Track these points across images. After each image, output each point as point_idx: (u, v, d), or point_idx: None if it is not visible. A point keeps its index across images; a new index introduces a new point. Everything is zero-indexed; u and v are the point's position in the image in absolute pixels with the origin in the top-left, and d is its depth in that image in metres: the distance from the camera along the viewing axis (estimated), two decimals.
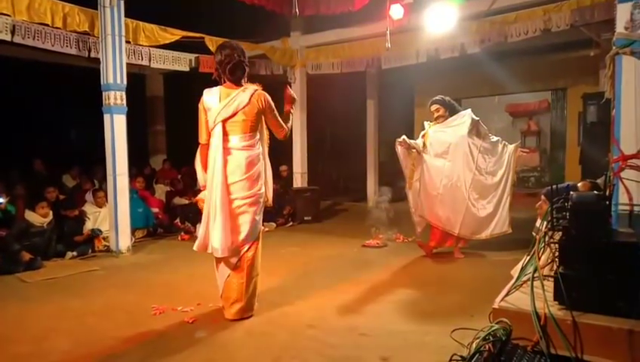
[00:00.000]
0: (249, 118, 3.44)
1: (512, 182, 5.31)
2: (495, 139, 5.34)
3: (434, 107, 5.40)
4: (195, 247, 3.51)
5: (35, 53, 7.04)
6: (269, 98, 3.54)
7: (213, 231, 3.38)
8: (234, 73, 3.45)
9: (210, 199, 3.39)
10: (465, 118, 5.24)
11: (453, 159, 5.18)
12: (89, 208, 6.21)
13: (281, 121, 3.61)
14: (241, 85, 3.49)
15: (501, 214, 5.23)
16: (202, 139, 3.49)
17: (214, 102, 3.42)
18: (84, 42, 6.05)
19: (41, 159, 8.20)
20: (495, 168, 5.27)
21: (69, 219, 6.00)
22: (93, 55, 6.06)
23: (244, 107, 3.41)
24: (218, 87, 3.50)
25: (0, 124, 8.57)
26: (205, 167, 3.49)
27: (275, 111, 3.57)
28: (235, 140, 3.44)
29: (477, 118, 5.28)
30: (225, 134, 3.40)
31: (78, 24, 5.62)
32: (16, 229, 5.34)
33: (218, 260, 3.52)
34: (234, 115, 3.40)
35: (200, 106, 3.47)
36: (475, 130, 5.23)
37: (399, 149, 5.41)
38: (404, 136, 5.34)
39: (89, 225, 6.04)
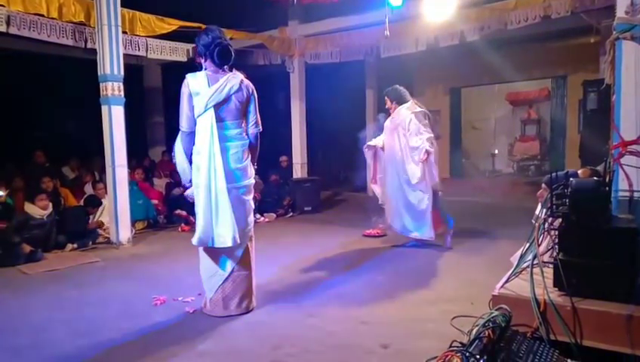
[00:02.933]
0: (240, 104, 3.34)
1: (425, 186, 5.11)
2: (419, 143, 5.06)
3: (386, 99, 5.44)
4: (195, 242, 3.31)
5: (32, 44, 7.00)
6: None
7: (217, 221, 3.24)
8: (223, 57, 3.29)
9: (209, 188, 3.24)
10: (402, 111, 5.22)
11: (398, 151, 5.20)
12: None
13: (258, 118, 3.49)
14: (226, 72, 3.34)
15: (417, 217, 5.14)
16: (185, 126, 3.30)
17: (203, 86, 3.24)
18: (80, 33, 6.01)
19: (41, 151, 8.18)
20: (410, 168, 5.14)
21: (71, 209, 6.03)
22: (89, 46, 6.03)
23: (235, 92, 3.30)
24: (202, 71, 3.32)
25: None
26: (189, 158, 3.34)
27: (257, 105, 3.47)
28: (229, 127, 3.32)
29: (418, 110, 5.19)
30: (217, 120, 3.25)
31: (74, 14, 5.57)
32: (16, 222, 5.34)
33: (213, 255, 3.35)
34: (226, 100, 3.27)
35: (184, 90, 3.27)
36: (413, 124, 5.11)
37: (368, 154, 5.63)
38: (369, 143, 5.56)
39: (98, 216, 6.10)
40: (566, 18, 6.34)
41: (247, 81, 3.39)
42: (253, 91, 3.42)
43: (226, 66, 3.35)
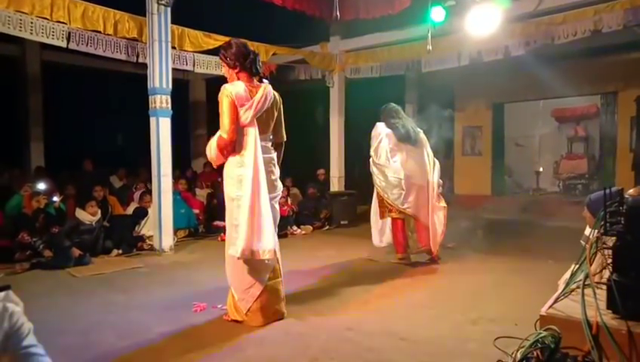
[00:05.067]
0: (274, 114, 3.38)
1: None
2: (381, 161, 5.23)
3: None
4: (237, 254, 3.21)
5: (87, 59, 7.42)
6: None
7: (261, 233, 3.21)
8: (257, 68, 3.34)
9: (253, 200, 3.21)
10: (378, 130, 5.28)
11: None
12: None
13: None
14: (256, 82, 3.34)
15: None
16: (230, 135, 3.20)
17: (245, 96, 3.22)
18: (132, 48, 6.31)
19: (90, 160, 8.60)
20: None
21: (120, 217, 6.29)
22: (140, 60, 6.32)
23: (272, 102, 3.34)
24: (240, 82, 3.30)
25: (54, 127, 9.06)
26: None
27: None
28: (266, 138, 3.36)
29: (379, 133, 5.23)
30: (259, 132, 3.26)
31: (128, 30, 5.87)
32: (67, 227, 5.61)
33: (253, 267, 3.31)
34: (266, 110, 3.31)
35: (229, 100, 3.18)
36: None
37: None
38: None
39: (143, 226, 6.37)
40: (618, 32, 6.11)
41: (274, 91, 3.43)
42: (281, 101, 3.48)
43: (255, 77, 3.37)
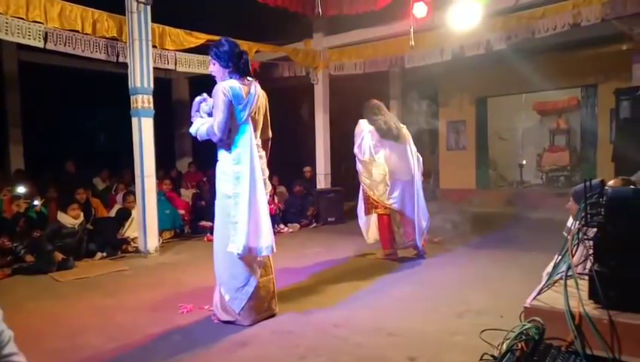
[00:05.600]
0: (263, 112, 3.44)
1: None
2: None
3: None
4: (240, 250, 3.21)
5: (66, 59, 7.28)
6: None
7: (260, 230, 3.27)
8: (249, 68, 3.37)
9: (251, 197, 3.22)
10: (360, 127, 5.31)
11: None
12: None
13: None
14: (246, 80, 3.36)
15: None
16: (222, 133, 3.20)
17: (241, 94, 3.23)
18: (112, 47, 6.22)
19: (72, 161, 8.46)
20: None
21: (104, 220, 6.20)
22: (121, 60, 6.23)
23: (260, 100, 3.39)
24: (234, 80, 3.29)
25: (33, 128, 8.88)
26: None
27: None
28: (257, 136, 3.39)
29: (361, 130, 5.27)
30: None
31: (107, 30, 5.77)
32: (49, 230, 5.52)
33: (248, 264, 3.31)
34: (259, 108, 3.36)
35: (224, 97, 3.17)
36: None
37: None
38: None
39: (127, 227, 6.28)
40: (596, 25, 6.21)
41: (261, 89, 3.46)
42: (266, 98, 3.51)
43: (244, 76, 3.38)
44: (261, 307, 3.41)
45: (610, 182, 3.91)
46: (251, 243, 3.25)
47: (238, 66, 3.32)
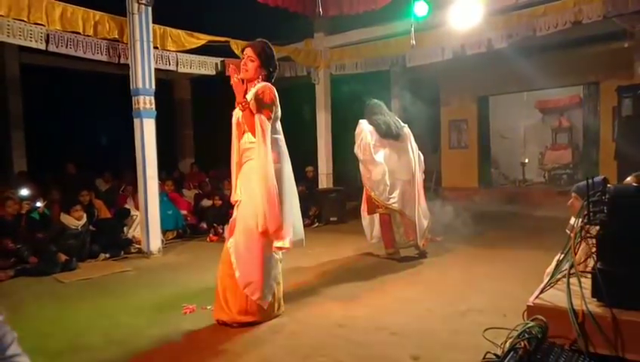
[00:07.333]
0: None
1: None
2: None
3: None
4: (289, 244, 3.31)
5: (68, 61, 7.29)
6: None
7: (298, 222, 3.49)
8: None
9: (292, 188, 3.46)
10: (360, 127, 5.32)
11: None
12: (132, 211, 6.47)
13: None
14: None
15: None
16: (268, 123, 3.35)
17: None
18: (114, 49, 6.22)
19: (73, 163, 8.48)
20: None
21: (107, 221, 6.22)
22: (122, 61, 6.23)
23: None
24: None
25: (36, 130, 8.91)
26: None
27: None
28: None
29: (362, 130, 5.26)
30: None
31: (108, 31, 5.79)
32: (52, 232, 5.53)
33: (275, 260, 3.45)
34: None
35: (275, 99, 3.36)
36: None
37: None
38: None
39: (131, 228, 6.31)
40: (598, 23, 6.19)
41: None
42: None
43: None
44: (278, 302, 3.51)
45: (628, 179, 3.89)
46: (300, 234, 3.51)
47: (273, 74, 3.48)
